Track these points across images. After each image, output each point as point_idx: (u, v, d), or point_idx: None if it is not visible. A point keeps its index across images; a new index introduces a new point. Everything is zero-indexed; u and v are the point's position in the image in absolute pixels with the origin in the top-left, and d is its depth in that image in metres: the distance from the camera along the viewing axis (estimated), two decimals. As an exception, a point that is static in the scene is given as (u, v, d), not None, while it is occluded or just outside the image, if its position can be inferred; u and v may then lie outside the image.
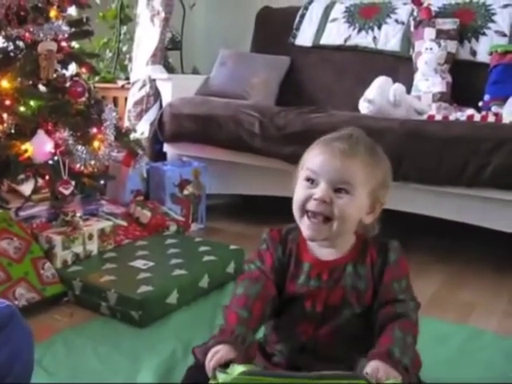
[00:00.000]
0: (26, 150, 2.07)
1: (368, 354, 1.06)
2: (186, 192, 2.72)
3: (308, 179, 1.16)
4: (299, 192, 1.17)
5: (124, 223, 2.42)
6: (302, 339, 1.21)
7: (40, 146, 2.07)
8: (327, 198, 1.12)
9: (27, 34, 2.14)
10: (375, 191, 1.17)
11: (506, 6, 2.89)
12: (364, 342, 1.14)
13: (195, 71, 3.83)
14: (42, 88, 2.23)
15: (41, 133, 2.09)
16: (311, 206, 1.14)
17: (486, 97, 2.67)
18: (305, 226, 1.16)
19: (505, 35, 2.83)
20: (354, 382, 0.98)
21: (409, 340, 1.09)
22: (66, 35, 2.23)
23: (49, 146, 2.09)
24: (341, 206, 1.12)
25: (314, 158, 1.16)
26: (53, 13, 2.22)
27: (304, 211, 1.16)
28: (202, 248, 2.18)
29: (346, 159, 1.13)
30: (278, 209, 2.77)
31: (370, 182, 1.15)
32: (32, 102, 2.15)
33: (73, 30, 2.31)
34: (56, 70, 2.24)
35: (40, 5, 2.20)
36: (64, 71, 2.31)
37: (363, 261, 1.19)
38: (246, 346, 1.08)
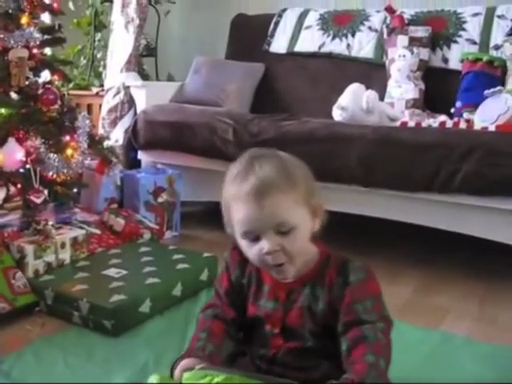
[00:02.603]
0: (-4, 159, 2.04)
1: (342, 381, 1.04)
2: (160, 199, 2.71)
3: (247, 233, 1.13)
4: (248, 251, 1.16)
5: (97, 231, 2.40)
6: (270, 353, 1.21)
7: (11, 155, 2.05)
8: (277, 247, 1.10)
9: (-3, 41, 2.12)
10: (307, 203, 1.14)
11: (475, 14, 2.92)
12: (333, 353, 1.14)
13: (170, 78, 3.83)
14: (13, 95, 2.21)
15: (11, 141, 2.07)
16: (268, 260, 1.12)
17: (458, 103, 2.70)
18: (273, 272, 1.17)
19: (475, 43, 2.87)
20: None
21: (381, 364, 1.06)
22: (38, 42, 2.22)
23: (20, 155, 2.07)
24: (291, 246, 1.11)
25: (237, 215, 1.13)
26: (24, 19, 2.20)
27: (265, 265, 1.15)
28: (176, 256, 2.17)
29: (263, 201, 1.08)
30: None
31: (298, 202, 1.12)
32: (3, 110, 2.13)
33: (45, 37, 2.29)
34: (28, 78, 2.22)
35: (11, 11, 2.18)
36: (36, 78, 2.29)
37: (322, 282, 1.17)
38: (208, 354, 1.13)
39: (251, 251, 1.14)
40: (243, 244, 1.16)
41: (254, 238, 1.11)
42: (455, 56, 2.90)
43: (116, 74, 3.23)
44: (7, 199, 2.24)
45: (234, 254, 1.27)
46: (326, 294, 1.16)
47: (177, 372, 1.10)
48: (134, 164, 3.05)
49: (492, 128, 2.32)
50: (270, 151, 1.18)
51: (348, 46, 3.19)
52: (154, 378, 1.00)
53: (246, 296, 1.25)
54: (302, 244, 1.14)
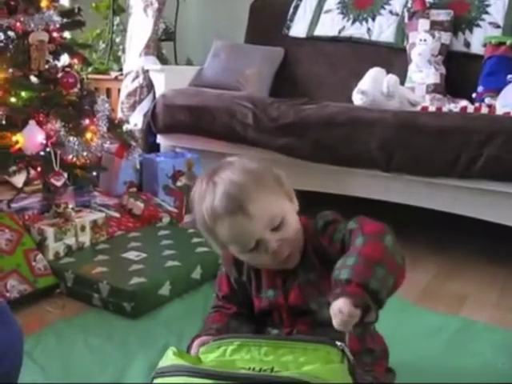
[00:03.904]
0: (17, 142, 2.06)
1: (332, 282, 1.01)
2: (179, 183, 2.72)
3: (246, 249, 1.12)
4: (254, 261, 1.16)
5: (117, 215, 2.42)
6: (285, 331, 1.21)
7: (31, 138, 2.06)
8: (279, 242, 1.10)
9: (18, 24, 2.12)
10: (280, 191, 1.14)
11: (500, -3, 2.88)
12: None
13: (189, 62, 3.82)
14: (33, 79, 2.22)
15: (32, 124, 2.07)
16: (277, 257, 1.12)
17: (480, 88, 2.67)
18: (281, 265, 1.16)
19: (499, 26, 2.82)
20: (322, 347, 0.97)
21: (356, 243, 1.04)
22: (58, 25, 2.22)
23: (40, 138, 2.07)
24: (288, 234, 1.12)
25: (227, 234, 1.11)
26: (44, 3, 2.20)
27: (276, 264, 1.15)
28: (195, 239, 2.18)
29: (247, 209, 1.08)
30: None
31: (274, 193, 1.13)
32: (23, 93, 2.14)
33: (64, 20, 2.29)
34: (47, 61, 2.23)
35: (30, -6, 2.18)
36: (56, 62, 2.29)
37: (308, 254, 1.17)
38: (217, 330, 1.16)
39: (259, 259, 1.14)
40: (246, 258, 1.16)
41: (254, 246, 1.11)
42: (477, 40, 2.86)
43: (135, 58, 3.23)
44: (28, 182, 2.26)
45: (227, 255, 1.25)
46: (314, 260, 1.17)
47: (193, 350, 1.11)
48: (153, 148, 3.05)
49: (514, 113, 2.29)
50: (220, 163, 1.17)
51: (368, 30, 3.16)
52: (171, 351, 1.01)
53: (250, 292, 1.25)
54: (295, 227, 1.14)
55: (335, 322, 0.95)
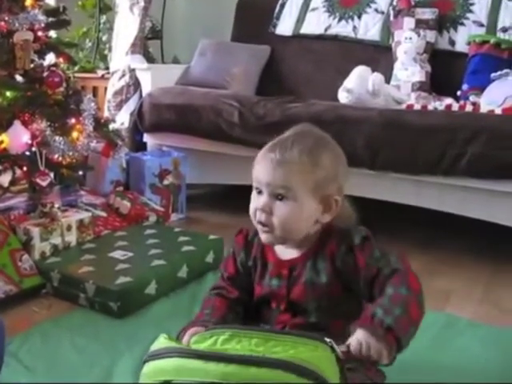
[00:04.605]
0: (1, 141, 2.05)
1: (368, 312, 1.06)
2: (165, 182, 2.72)
3: (256, 189, 1.18)
4: (251, 203, 1.20)
5: (103, 214, 2.41)
6: (278, 328, 1.21)
7: (16, 137, 2.06)
8: (267, 207, 1.14)
9: (2, 24, 2.12)
10: (320, 189, 1.15)
11: (483, -5, 2.90)
12: (340, 326, 1.14)
13: (176, 61, 3.81)
14: (18, 78, 2.21)
15: (17, 124, 2.07)
16: (258, 216, 1.16)
17: (465, 86, 2.69)
18: (259, 231, 1.20)
19: (482, 25, 2.85)
20: (311, 341, 0.98)
21: (402, 292, 1.08)
22: (43, 25, 2.21)
23: (25, 137, 2.07)
24: (280, 216, 1.14)
25: (255, 168, 1.19)
26: (29, 1, 2.20)
27: (254, 219, 1.19)
28: (181, 238, 2.18)
29: (278, 167, 1.13)
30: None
31: (308, 184, 1.14)
32: (8, 93, 2.14)
33: (50, 19, 2.28)
34: (33, 60, 2.22)
35: (15, -7, 2.18)
36: (41, 61, 2.29)
37: (323, 255, 1.18)
38: (212, 322, 1.17)
39: (252, 203, 1.18)
40: (251, 196, 1.20)
41: (260, 193, 1.16)
42: (462, 38, 2.89)
43: (121, 56, 3.22)
44: (13, 182, 2.25)
45: (238, 238, 1.30)
46: (328, 265, 1.18)
47: (185, 338, 1.12)
48: (140, 147, 3.05)
49: (498, 111, 2.31)
50: (317, 132, 1.24)
51: (354, 28, 3.17)
52: (162, 336, 1.02)
53: (254, 277, 1.27)
54: (288, 223, 1.15)
55: (354, 348, 1.01)
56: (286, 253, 1.22)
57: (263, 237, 1.19)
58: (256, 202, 1.17)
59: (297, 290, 1.19)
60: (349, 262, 1.16)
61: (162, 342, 1.01)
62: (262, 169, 1.16)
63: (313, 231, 1.20)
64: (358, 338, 1.01)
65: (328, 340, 0.99)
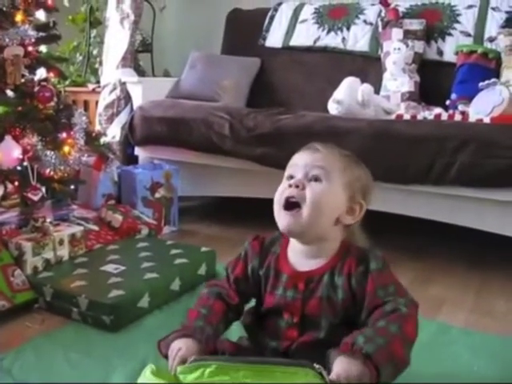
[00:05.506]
0: (-7, 156, 2.05)
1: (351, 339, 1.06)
2: (157, 195, 2.72)
3: (288, 176, 1.21)
4: (279, 187, 1.22)
5: (95, 228, 2.41)
6: (284, 345, 1.21)
7: (7, 152, 2.06)
8: (300, 183, 1.17)
9: (-8, 39, 2.12)
10: (352, 186, 1.20)
11: (470, 6, 2.94)
12: None
13: (166, 74, 3.83)
14: (9, 93, 2.21)
15: (8, 138, 2.07)
16: (286, 193, 1.18)
17: (453, 96, 2.71)
18: (281, 218, 1.19)
19: (469, 35, 2.88)
20: (301, 369, 0.99)
21: (391, 329, 1.07)
22: (33, 40, 2.22)
23: (17, 152, 2.07)
24: (313, 191, 1.16)
25: (292, 160, 1.23)
26: (19, 17, 2.20)
27: (281, 203, 1.19)
28: (174, 251, 2.18)
29: (319, 152, 1.20)
30: (249, 210, 2.78)
31: (346, 174, 1.19)
32: (-1, 108, 2.14)
33: (40, 34, 2.29)
34: (23, 75, 2.22)
35: (5, 9, 2.18)
36: (32, 76, 2.29)
37: (340, 271, 1.18)
38: (205, 337, 1.16)
39: (281, 186, 1.21)
40: (280, 187, 1.22)
41: (292, 178, 1.20)
42: (450, 48, 2.92)
43: (112, 70, 3.24)
44: (5, 197, 2.25)
45: (254, 244, 1.30)
46: (345, 282, 1.17)
47: (174, 363, 1.11)
48: (131, 160, 3.05)
49: (487, 120, 2.33)
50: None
51: (343, 39, 3.20)
52: (149, 369, 1.01)
53: (264, 287, 1.26)
54: (319, 201, 1.16)
55: (337, 374, 1.00)
56: (303, 264, 1.22)
57: (286, 221, 1.18)
58: (286, 184, 1.20)
59: (312, 304, 1.19)
60: (361, 283, 1.17)
61: (147, 376, 1.00)
62: (300, 156, 1.21)
63: (331, 235, 1.21)
64: (337, 366, 1.01)
65: (317, 366, 1.00)
